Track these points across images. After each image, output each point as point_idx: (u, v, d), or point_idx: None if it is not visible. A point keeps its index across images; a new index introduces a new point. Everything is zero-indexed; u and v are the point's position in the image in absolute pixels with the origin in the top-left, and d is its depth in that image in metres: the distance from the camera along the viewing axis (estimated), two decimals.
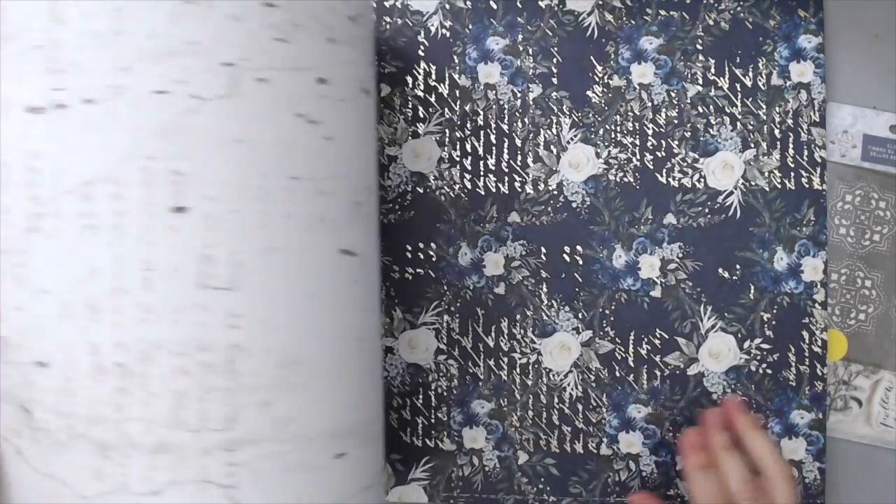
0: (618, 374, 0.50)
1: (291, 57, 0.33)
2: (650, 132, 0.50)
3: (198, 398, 0.32)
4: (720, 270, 0.49)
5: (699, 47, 0.50)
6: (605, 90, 0.51)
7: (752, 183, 0.50)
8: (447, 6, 0.51)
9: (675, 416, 0.49)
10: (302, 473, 0.33)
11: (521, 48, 0.51)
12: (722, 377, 0.49)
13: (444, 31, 0.51)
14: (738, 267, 0.49)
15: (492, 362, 0.50)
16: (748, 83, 0.50)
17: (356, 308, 0.37)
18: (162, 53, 0.31)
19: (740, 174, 0.50)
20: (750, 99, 0.50)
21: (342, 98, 0.35)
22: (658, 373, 0.50)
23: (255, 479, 0.32)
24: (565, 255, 0.50)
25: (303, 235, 0.33)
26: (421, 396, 0.51)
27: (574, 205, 0.50)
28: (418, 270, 0.51)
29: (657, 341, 0.50)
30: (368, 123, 0.39)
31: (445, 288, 0.51)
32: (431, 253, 0.51)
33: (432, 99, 0.51)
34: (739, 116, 0.50)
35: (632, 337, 0.50)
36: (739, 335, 0.49)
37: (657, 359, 0.50)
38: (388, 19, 0.52)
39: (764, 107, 0.50)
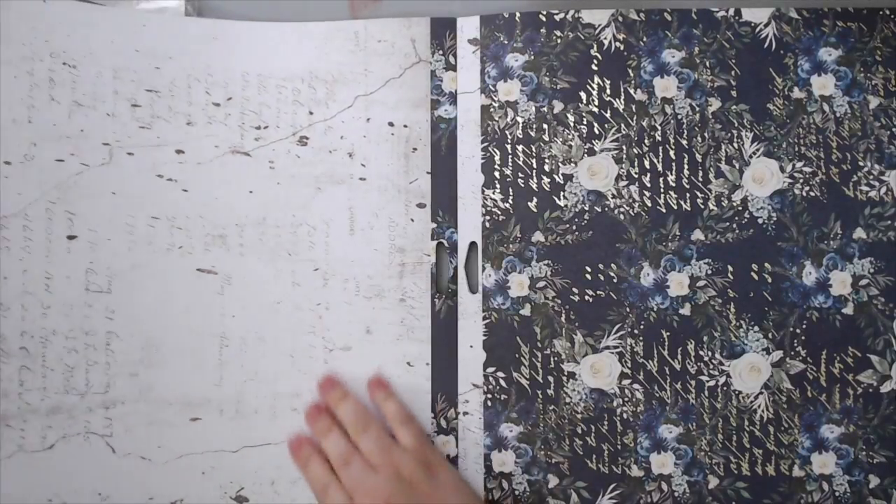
0: (809, 394, 0.48)
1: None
2: (834, 145, 0.49)
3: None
4: None
5: (878, 58, 0.49)
6: (785, 102, 0.49)
7: None
8: (620, 19, 0.50)
9: (869, 435, 0.48)
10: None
11: (697, 61, 0.49)
12: None
13: (617, 44, 0.50)
14: None
15: (679, 386, 0.49)
16: None
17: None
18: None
19: None
20: None
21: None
22: (851, 392, 0.48)
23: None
24: (753, 274, 0.49)
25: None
26: (606, 422, 0.49)
27: (760, 221, 0.49)
28: (599, 292, 0.49)
29: (849, 359, 0.48)
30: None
31: (628, 310, 0.49)
32: (612, 274, 0.49)
33: (607, 115, 0.50)
34: None
35: (823, 356, 0.48)
36: None
37: (850, 377, 0.48)
38: (559, 33, 0.50)
39: None
